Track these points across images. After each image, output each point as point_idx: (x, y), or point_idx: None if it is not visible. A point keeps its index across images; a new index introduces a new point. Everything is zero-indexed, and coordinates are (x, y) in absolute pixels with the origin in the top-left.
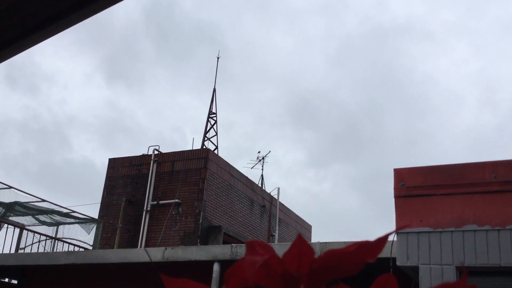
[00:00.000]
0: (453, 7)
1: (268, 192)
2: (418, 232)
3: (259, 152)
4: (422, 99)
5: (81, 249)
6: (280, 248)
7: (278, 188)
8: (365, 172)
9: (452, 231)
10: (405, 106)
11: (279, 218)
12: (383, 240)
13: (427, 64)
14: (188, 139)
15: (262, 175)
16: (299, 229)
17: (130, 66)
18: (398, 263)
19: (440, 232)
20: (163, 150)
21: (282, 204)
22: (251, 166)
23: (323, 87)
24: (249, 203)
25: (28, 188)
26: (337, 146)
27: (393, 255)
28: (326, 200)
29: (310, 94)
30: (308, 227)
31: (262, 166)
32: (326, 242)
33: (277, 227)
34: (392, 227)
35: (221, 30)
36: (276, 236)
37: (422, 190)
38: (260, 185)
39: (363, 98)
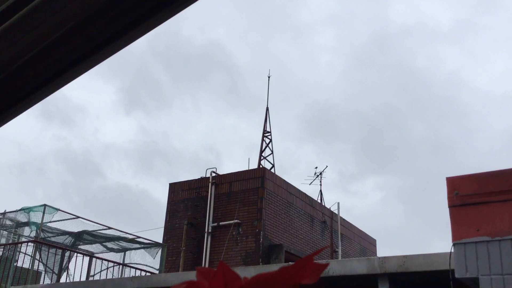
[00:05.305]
0: (463, 5)
1: (328, 207)
2: (476, 242)
3: (316, 167)
4: (450, 101)
5: (148, 274)
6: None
7: (338, 203)
8: (403, 182)
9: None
10: (432, 110)
11: (341, 233)
12: (309, 260)
13: (450, 65)
14: (222, 158)
15: (320, 190)
16: (363, 243)
17: (151, 93)
18: (457, 275)
19: (499, 240)
20: (198, 168)
21: (344, 219)
22: (309, 182)
23: (341, 99)
24: (309, 220)
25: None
26: (367, 158)
27: (452, 267)
28: (369, 213)
29: (330, 107)
30: (372, 242)
31: (320, 181)
32: (384, 257)
33: (339, 242)
34: (449, 237)
35: (226, 50)
36: (340, 252)
37: (477, 198)
38: (319, 201)
39: (385, 106)
